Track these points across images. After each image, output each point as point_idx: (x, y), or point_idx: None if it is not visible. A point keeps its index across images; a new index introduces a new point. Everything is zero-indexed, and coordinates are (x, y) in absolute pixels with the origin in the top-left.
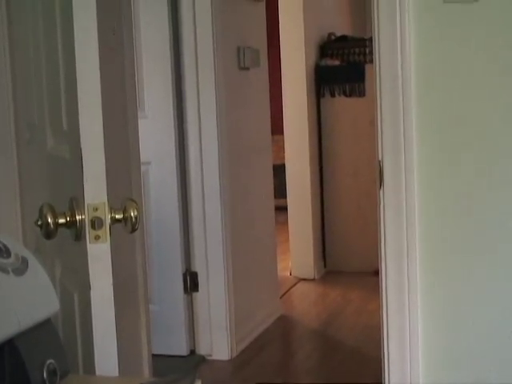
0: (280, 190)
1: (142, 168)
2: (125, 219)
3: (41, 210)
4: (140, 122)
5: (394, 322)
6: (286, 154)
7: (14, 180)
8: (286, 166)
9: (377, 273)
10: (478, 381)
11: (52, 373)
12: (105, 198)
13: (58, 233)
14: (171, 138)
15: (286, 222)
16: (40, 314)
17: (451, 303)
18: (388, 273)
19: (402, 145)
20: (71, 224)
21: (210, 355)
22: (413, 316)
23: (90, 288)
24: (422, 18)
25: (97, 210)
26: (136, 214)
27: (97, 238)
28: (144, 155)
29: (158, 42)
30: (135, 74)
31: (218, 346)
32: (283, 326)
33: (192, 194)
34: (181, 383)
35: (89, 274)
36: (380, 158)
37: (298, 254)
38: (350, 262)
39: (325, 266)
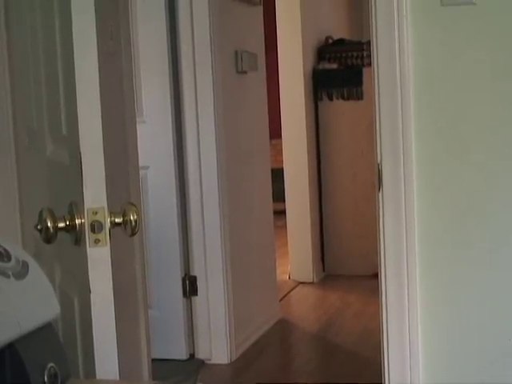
0: (278, 194)
1: (141, 172)
2: (124, 223)
3: (40, 215)
4: (138, 126)
5: (393, 325)
6: (284, 157)
7: (13, 185)
8: (285, 169)
9: (376, 276)
10: (477, 380)
11: (53, 376)
12: (104, 202)
13: (58, 237)
14: (169, 142)
15: (284, 226)
16: (41, 318)
17: (451, 306)
18: (387, 276)
19: (401, 148)
20: (71, 228)
21: (210, 359)
22: (413, 319)
23: (89, 292)
24: (419, 20)
25: (96, 213)
26: (136, 217)
27: (97, 241)
28: (142, 160)
29: (155, 46)
30: (133, 78)
31: (218, 349)
32: (282, 330)
33: (190, 199)
34: None
35: (89, 278)
36: (379, 161)
37: (296, 257)
38: (349, 265)
39: (323, 270)
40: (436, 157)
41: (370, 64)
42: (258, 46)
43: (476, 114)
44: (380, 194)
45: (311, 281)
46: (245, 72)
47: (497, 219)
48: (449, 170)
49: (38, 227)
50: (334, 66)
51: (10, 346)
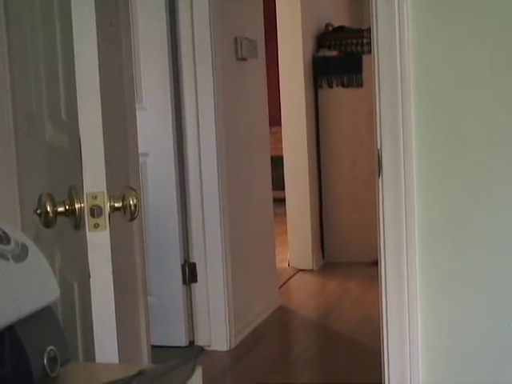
0: (278, 182)
1: (140, 159)
2: (124, 207)
3: (40, 199)
4: (138, 113)
5: (393, 312)
6: (283, 145)
7: (13, 170)
8: (284, 157)
9: (375, 263)
10: (476, 372)
11: (52, 359)
12: (104, 187)
13: (57, 222)
14: (169, 129)
15: (284, 214)
16: (40, 301)
17: (450, 294)
18: (387, 263)
19: (401, 133)
20: (70, 212)
21: (209, 346)
22: (412, 307)
23: (89, 276)
24: (420, 7)
25: (96, 198)
26: (135, 202)
27: (96, 226)
28: (142, 146)
29: (155, 33)
30: (133, 65)
31: (217, 336)
32: (282, 317)
33: (190, 186)
34: (182, 370)
35: (88, 263)
36: (379, 147)
37: (296, 245)
38: (349, 252)
39: (323, 257)
40: (436, 142)
41: (369, 51)
42: (258, 33)
43: (475, 109)
44: (380, 180)
45: (311, 268)
46: (244, 59)
47: (499, 204)
48: (449, 154)
49: (38, 212)
50: (334, 53)
51: (10, 328)
